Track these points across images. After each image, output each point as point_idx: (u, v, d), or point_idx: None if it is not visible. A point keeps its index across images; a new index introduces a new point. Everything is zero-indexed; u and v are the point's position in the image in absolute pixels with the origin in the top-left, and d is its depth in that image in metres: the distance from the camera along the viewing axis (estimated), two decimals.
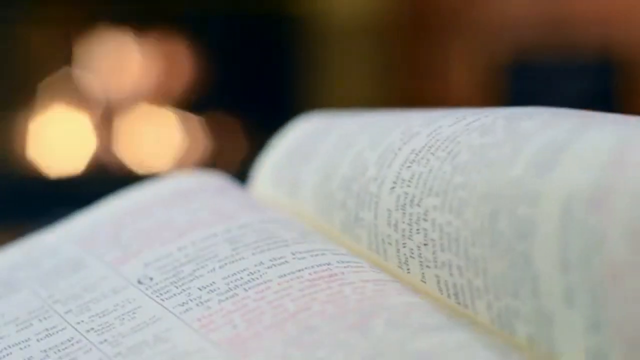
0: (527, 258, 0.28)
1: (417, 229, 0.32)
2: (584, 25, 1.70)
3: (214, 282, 0.33)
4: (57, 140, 1.78)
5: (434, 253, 0.32)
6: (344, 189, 0.36)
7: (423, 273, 0.32)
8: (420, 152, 0.33)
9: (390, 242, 0.34)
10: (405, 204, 0.33)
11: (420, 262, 0.32)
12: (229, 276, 0.34)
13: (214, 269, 0.34)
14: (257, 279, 0.33)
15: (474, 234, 0.29)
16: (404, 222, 0.33)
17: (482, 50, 1.79)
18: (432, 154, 0.33)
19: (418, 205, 0.32)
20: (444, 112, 0.36)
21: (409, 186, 0.33)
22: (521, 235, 0.28)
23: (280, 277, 0.33)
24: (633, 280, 0.25)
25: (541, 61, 1.75)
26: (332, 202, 0.37)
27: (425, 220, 0.32)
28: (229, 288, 0.33)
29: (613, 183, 0.26)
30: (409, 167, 0.33)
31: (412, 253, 0.33)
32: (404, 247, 0.33)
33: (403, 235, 0.33)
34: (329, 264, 0.34)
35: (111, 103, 1.79)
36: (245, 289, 0.33)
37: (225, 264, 0.34)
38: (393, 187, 0.34)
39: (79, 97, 1.77)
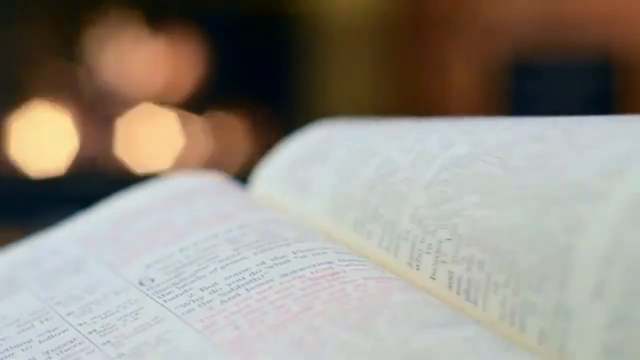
0: (568, 251, 0.29)
1: (445, 224, 0.33)
2: (584, 26, 1.70)
3: (216, 283, 0.33)
4: (55, 140, 1.78)
5: (456, 248, 0.32)
6: (366, 188, 0.37)
7: (435, 269, 0.33)
8: (463, 158, 0.34)
9: (407, 238, 0.34)
10: (438, 202, 0.34)
11: (436, 257, 0.33)
12: (230, 276, 0.34)
13: (215, 269, 0.34)
14: (259, 278, 0.33)
15: (514, 228, 0.31)
16: (430, 218, 0.34)
17: (482, 50, 1.80)
18: (484, 160, 0.34)
19: (453, 202, 0.33)
20: (479, 121, 0.37)
21: (446, 186, 0.34)
22: (570, 230, 0.29)
23: (282, 276, 0.33)
24: None
25: (541, 61, 1.75)
26: (349, 200, 0.38)
27: (459, 215, 0.33)
28: (231, 288, 0.33)
29: None
30: (447, 169, 0.34)
31: (430, 248, 0.33)
32: (422, 242, 0.34)
33: (425, 231, 0.34)
34: (330, 262, 0.34)
35: (111, 102, 1.79)
36: (247, 289, 0.33)
37: (227, 264, 0.34)
38: (428, 186, 0.35)
39: (79, 96, 1.77)
